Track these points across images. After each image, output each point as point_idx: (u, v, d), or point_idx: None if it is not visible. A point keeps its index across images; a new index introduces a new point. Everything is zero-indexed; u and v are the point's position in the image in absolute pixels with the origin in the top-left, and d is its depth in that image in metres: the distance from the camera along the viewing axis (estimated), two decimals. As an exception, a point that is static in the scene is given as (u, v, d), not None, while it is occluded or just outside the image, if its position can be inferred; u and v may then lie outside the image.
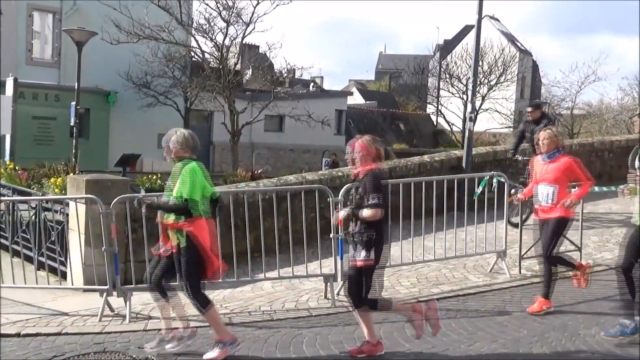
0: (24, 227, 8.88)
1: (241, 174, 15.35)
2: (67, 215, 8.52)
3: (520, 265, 8.34)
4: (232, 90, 27.01)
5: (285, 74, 32.51)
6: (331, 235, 7.48)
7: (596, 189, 9.51)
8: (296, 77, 34.36)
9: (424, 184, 8.49)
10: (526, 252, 8.38)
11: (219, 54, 26.93)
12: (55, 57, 28.75)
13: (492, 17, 55.58)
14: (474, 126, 13.70)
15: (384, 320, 6.65)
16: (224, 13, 26.69)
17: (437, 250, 8.95)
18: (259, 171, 17.15)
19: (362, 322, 5.68)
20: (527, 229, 9.28)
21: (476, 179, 9.47)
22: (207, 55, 27.83)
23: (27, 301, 7.63)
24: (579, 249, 8.67)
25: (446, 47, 55.51)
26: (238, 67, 28.95)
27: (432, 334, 5.76)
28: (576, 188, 6.96)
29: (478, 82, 31.18)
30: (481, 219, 9.57)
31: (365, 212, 5.34)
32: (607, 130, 38.80)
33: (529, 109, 11.29)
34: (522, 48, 51.76)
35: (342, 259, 7.46)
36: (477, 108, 33.19)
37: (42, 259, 8.32)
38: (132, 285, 7.39)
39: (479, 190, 9.31)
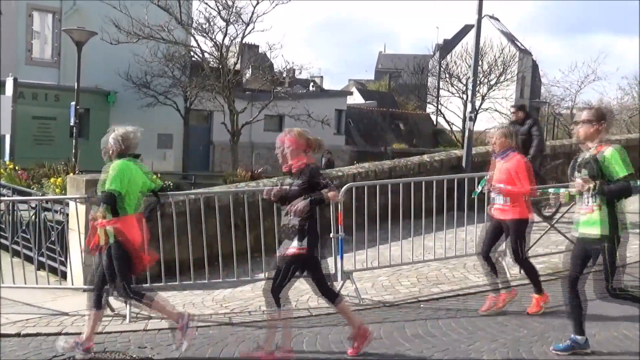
0: (24, 227, 8.88)
1: (241, 173, 15.37)
2: (67, 215, 8.53)
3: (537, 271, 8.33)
4: (232, 90, 27.01)
5: (285, 74, 32.50)
6: (331, 235, 7.48)
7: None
8: (296, 76, 34.33)
9: (424, 184, 8.49)
10: (526, 252, 8.37)
11: (219, 53, 26.93)
12: (55, 57, 28.74)
13: (491, 17, 55.55)
14: (473, 126, 13.70)
15: (384, 320, 6.66)
16: (223, 13, 26.69)
17: (437, 250, 8.95)
18: (259, 171, 17.18)
19: (269, 329, 5.57)
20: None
21: (476, 179, 9.45)
22: (206, 55, 27.82)
23: (27, 301, 7.63)
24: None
25: (446, 47, 55.49)
26: (238, 66, 28.94)
27: None
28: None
29: (478, 82, 31.17)
30: (481, 218, 9.57)
31: (331, 193, 5.33)
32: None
33: (512, 110, 11.30)
34: (522, 47, 51.77)
35: (342, 258, 7.47)
36: (477, 108, 33.16)
37: (42, 259, 8.33)
38: (132, 285, 7.38)
39: (478, 189, 9.30)
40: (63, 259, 8.70)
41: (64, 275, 8.59)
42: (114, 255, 5.64)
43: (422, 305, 7.08)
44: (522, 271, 7.20)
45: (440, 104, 46.71)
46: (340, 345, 5.91)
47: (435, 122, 53.38)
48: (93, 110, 28.24)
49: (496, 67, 41.49)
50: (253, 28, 26.92)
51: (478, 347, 5.78)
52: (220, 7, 26.63)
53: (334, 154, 35.37)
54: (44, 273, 8.20)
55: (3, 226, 9.92)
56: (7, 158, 16.49)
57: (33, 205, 8.86)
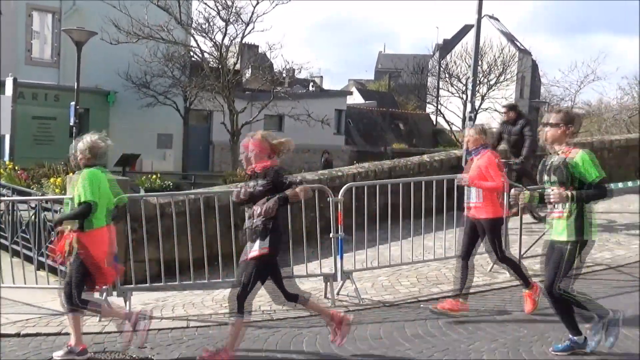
0: (23, 227, 8.88)
1: (241, 173, 15.33)
2: (67, 215, 8.51)
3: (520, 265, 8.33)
4: (232, 90, 27.00)
5: (285, 74, 32.50)
6: (331, 235, 7.48)
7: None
8: (295, 75, 34.36)
9: (424, 184, 8.49)
10: (526, 252, 8.39)
11: (219, 53, 26.93)
12: (54, 57, 28.74)
13: (491, 17, 55.54)
14: (473, 125, 13.69)
15: (384, 320, 6.66)
16: (222, 12, 26.69)
17: (437, 250, 8.95)
18: (259, 171, 17.11)
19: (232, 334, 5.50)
20: (527, 229, 9.30)
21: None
22: (206, 55, 27.83)
23: (27, 301, 7.63)
24: (579, 249, 8.68)
25: (445, 47, 55.51)
26: (237, 66, 28.95)
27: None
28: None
29: (477, 82, 31.19)
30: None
31: (298, 189, 5.35)
32: (606, 130, 38.80)
33: (503, 110, 11.24)
34: (522, 47, 51.77)
35: (342, 258, 7.47)
36: (477, 107, 33.18)
37: (42, 259, 8.32)
38: (132, 285, 7.40)
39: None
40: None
41: (63, 276, 8.58)
42: (73, 266, 5.68)
43: (422, 305, 7.07)
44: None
45: (440, 103, 46.72)
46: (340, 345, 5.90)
47: (435, 122, 53.39)
48: (93, 110, 28.23)
49: (496, 67, 41.51)
50: (253, 28, 26.95)
51: (478, 347, 5.78)
52: (220, 7, 26.64)
53: (333, 154, 35.43)
54: (44, 273, 8.20)
55: (3, 226, 9.92)
56: (7, 158, 16.50)
57: (33, 205, 8.85)
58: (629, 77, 53.99)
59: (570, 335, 5.44)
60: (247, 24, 26.75)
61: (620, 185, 9.95)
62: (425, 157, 13.47)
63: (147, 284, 7.69)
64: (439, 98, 46.98)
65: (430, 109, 52.26)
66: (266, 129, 36.66)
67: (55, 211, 8.87)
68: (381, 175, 12.03)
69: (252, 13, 26.52)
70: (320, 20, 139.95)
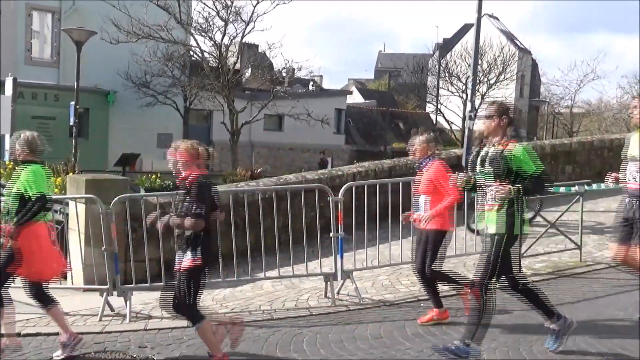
0: (23, 227, 8.85)
1: (241, 173, 15.36)
2: (67, 215, 8.52)
3: (520, 264, 8.33)
4: (232, 90, 27.01)
5: (285, 73, 32.51)
6: (331, 234, 7.48)
7: (594, 186, 9.52)
8: (295, 75, 34.37)
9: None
10: (526, 251, 8.38)
11: (218, 53, 26.93)
12: (54, 57, 28.75)
13: (491, 16, 55.54)
14: (473, 125, 13.70)
15: (384, 319, 6.66)
16: (222, 12, 26.69)
17: (437, 249, 8.93)
18: (259, 170, 17.17)
19: (203, 339, 5.41)
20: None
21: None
22: (206, 55, 27.83)
23: (27, 301, 7.61)
24: (579, 248, 8.68)
25: (445, 46, 55.48)
26: (237, 66, 28.96)
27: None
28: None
29: (477, 81, 31.16)
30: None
31: (187, 221, 5.16)
32: (606, 129, 38.87)
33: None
34: (522, 47, 51.76)
35: (342, 257, 7.47)
36: (477, 107, 33.12)
37: (42, 259, 8.30)
38: (132, 285, 7.40)
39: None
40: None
41: (63, 275, 8.58)
42: (3, 256, 5.71)
43: (422, 305, 7.07)
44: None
45: (440, 103, 46.69)
46: (341, 344, 5.91)
47: (434, 122, 53.39)
48: (93, 110, 28.26)
49: (496, 66, 41.47)
50: (253, 27, 26.96)
51: (478, 346, 5.77)
52: (219, 7, 26.64)
53: (333, 153, 35.40)
54: (44, 273, 8.18)
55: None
56: (6, 158, 16.47)
57: (33, 205, 8.83)
58: (629, 76, 53.96)
59: (550, 324, 5.35)
60: (247, 24, 26.77)
61: (620, 185, 9.92)
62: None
63: (148, 284, 7.68)
64: (439, 97, 46.95)
65: (430, 108, 52.27)
66: (266, 129, 36.91)
67: (55, 211, 8.87)
68: (381, 175, 12.03)
69: (252, 12, 26.56)
70: (320, 20, 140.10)
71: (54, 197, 9.89)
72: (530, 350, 5.66)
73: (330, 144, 36.74)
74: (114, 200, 7.20)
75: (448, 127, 44.53)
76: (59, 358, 5.70)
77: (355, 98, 54.12)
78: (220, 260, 7.79)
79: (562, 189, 9.26)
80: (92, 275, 7.57)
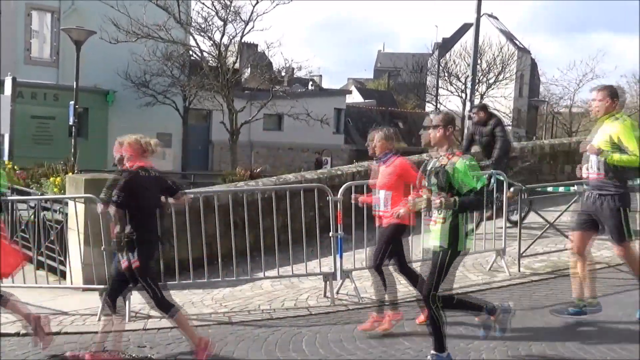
0: (23, 227, 8.87)
1: (240, 172, 15.33)
2: (66, 214, 8.53)
3: (519, 264, 8.34)
4: (231, 89, 27.01)
5: (284, 73, 32.51)
6: (330, 234, 7.48)
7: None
8: (295, 74, 34.39)
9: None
10: (525, 250, 8.39)
11: (218, 52, 26.93)
12: (53, 57, 28.73)
13: (490, 16, 55.50)
14: (469, 125, 13.72)
15: (384, 318, 6.65)
16: (221, 12, 26.69)
17: (437, 249, 8.93)
18: (258, 170, 17.13)
19: (180, 328, 5.60)
20: (526, 227, 9.31)
21: (475, 177, 9.46)
22: (205, 54, 27.83)
23: (27, 300, 7.60)
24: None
25: (445, 46, 55.48)
26: (237, 65, 28.96)
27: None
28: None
29: (477, 81, 31.17)
30: (479, 217, 9.59)
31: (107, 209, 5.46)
32: (605, 128, 38.61)
33: (474, 111, 10.95)
34: (521, 46, 51.79)
35: (341, 257, 7.47)
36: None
37: (42, 259, 8.32)
38: (132, 285, 7.38)
39: (478, 187, 9.28)
40: (62, 259, 8.70)
41: (63, 275, 8.59)
42: None
43: (421, 304, 7.06)
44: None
45: (440, 102, 46.71)
46: (340, 344, 5.91)
47: (434, 121, 53.30)
48: (92, 109, 28.24)
49: (495, 66, 41.52)
50: (252, 27, 26.96)
51: (477, 345, 5.78)
52: (219, 7, 26.64)
53: (333, 153, 35.43)
54: (43, 272, 8.19)
55: (2, 225, 9.91)
56: (5, 158, 16.48)
57: (32, 204, 8.85)
58: (628, 76, 54.05)
59: (432, 350, 5.18)
60: (247, 23, 26.77)
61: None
62: (425, 156, 13.45)
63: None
64: (438, 97, 46.97)
65: (429, 107, 52.25)
66: (265, 128, 36.90)
67: (55, 210, 8.88)
68: (380, 174, 12.00)
69: (252, 12, 26.56)
70: (320, 20, 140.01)
71: (53, 197, 9.92)
72: (529, 349, 5.66)
73: (329, 144, 36.76)
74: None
75: (447, 127, 44.50)
76: (51, 353, 5.74)
77: (355, 98, 54.09)
78: (219, 260, 7.82)
79: (561, 189, 9.26)
80: (91, 274, 7.58)
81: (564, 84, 45.37)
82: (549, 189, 9.44)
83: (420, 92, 50.60)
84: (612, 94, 6.06)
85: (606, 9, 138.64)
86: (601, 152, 5.89)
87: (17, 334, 6.46)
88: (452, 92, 42.54)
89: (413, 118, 52.90)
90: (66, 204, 8.55)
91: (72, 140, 17.50)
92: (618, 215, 5.94)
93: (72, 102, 17.76)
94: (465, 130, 13.99)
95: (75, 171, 13.59)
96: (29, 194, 10.72)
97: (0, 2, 25.29)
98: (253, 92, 31.58)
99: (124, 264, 5.48)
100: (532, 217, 9.84)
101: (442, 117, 5.16)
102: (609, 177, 5.94)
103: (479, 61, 34.75)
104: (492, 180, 8.89)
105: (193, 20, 27.59)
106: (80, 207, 7.97)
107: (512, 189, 8.65)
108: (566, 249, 8.80)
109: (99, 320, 6.77)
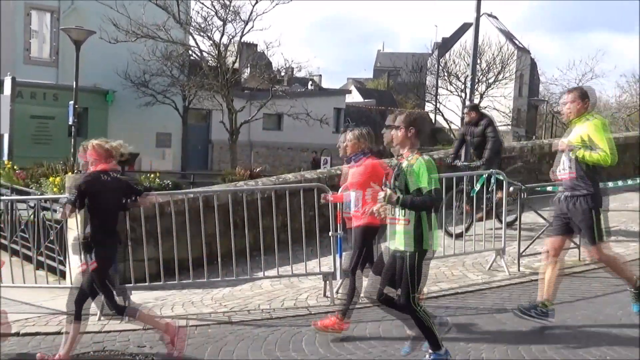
0: (22, 227, 8.88)
1: (240, 172, 15.32)
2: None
3: (519, 263, 8.34)
4: (230, 89, 27.01)
5: (284, 72, 32.51)
6: (330, 234, 7.48)
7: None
8: (294, 74, 34.38)
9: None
10: (525, 250, 8.39)
11: (217, 52, 26.92)
12: (53, 56, 28.72)
13: (490, 15, 55.57)
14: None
15: (383, 318, 6.64)
16: (220, 12, 26.68)
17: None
18: (258, 170, 17.13)
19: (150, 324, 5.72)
20: (525, 227, 9.30)
21: (474, 177, 9.49)
22: (205, 54, 27.82)
23: (26, 300, 7.63)
24: (578, 247, 8.68)
25: (444, 45, 55.50)
26: (236, 65, 28.97)
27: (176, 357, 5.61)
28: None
29: (476, 80, 31.17)
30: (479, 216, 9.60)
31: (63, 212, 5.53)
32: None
33: (465, 111, 10.85)
34: (520, 46, 51.79)
35: (341, 257, 7.46)
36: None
37: (41, 258, 8.32)
38: (131, 284, 7.40)
39: (477, 187, 9.33)
40: (62, 258, 8.70)
41: (62, 275, 8.59)
42: None
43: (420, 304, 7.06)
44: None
45: (439, 102, 46.69)
46: (340, 343, 5.91)
47: (433, 121, 53.42)
48: (91, 109, 28.23)
49: (495, 66, 41.48)
50: (252, 27, 26.96)
51: (477, 345, 5.78)
52: (218, 7, 26.63)
53: (332, 152, 35.35)
54: (43, 272, 8.19)
55: (2, 225, 9.92)
56: (5, 157, 16.48)
57: (32, 204, 8.85)
58: (627, 75, 54.07)
59: (429, 350, 5.10)
60: (246, 23, 26.77)
61: (619, 183, 9.93)
62: (424, 156, 13.45)
63: (147, 283, 7.69)
64: (438, 96, 46.95)
65: (429, 107, 52.28)
66: (265, 128, 36.86)
67: (54, 210, 8.88)
68: (380, 174, 12.01)
69: (251, 12, 26.56)
70: (320, 20, 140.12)
71: (53, 196, 9.91)
72: (529, 349, 5.66)
73: (329, 144, 36.65)
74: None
75: (447, 127, 44.58)
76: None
77: (354, 97, 54.16)
78: (219, 259, 7.82)
79: (561, 188, 9.25)
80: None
81: (564, 84, 45.26)
82: (549, 188, 9.43)
83: (419, 91, 50.58)
84: (582, 95, 6.04)
85: (605, 8, 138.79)
86: (572, 148, 5.86)
87: (17, 334, 6.46)
88: (451, 92, 42.49)
89: (413, 118, 52.85)
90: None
91: (72, 140, 17.50)
92: (590, 217, 5.89)
93: (71, 102, 17.76)
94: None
95: (75, 171, 13.59)
96: (28, 193, 10.72)
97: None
98: (252, 91, 31.57)
99: (82, 266, 5.54)
100: (532, 217, 9.85)
101: (403, 118, 5.13)
102: (580, 176, 5.90)
103: (478, 61, 34.73)
104: (492, 180, 8.90)
105: (192, 20, 27.58)
106: (80, 207, 7.96)
107: (511, 189, 8.65)
108: (565, 249, 8.82)
109: (99, 319, 6.78)
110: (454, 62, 42.47)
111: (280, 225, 8.13)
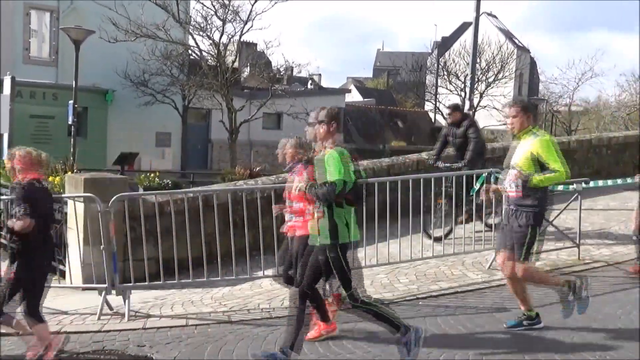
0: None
1: (239, 171, 15.37)
2: (66, 213, 8.52)
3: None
4: (230, 88, 27.00)
5: (283, 72, 32.49)
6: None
7: (592, 184, 9.53)
8: (294, 74, 34.34)
9: (422, 181, 8.49)
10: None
11: (217, 51, 26.92)
12: (52, 56, 28.71)
13: (489, 14, 55.59)
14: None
15: (383, 317, 6.65)
16: (220, 11, 26.67)
17: (436, 247, 8.95)
18: (257, 169, 17.17)
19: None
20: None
21: (474, 176, 9.48)
22: (204, 53, 27.81)
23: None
24: (577, 246, 8.70)
25: (444, 44, 55.53)
26: (236, 64, 28.97)
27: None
28: None
29: (476, 79, 31.19)
30: (479, 216, 9.60)
31: (17, 224, 5.29)
32: (604, 127, 38.84)
33: (448, 111, 10.70)
34: (520, 45, 51.84)
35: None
36: (475, 105, 33.18)
37: (41, 258, 8.31)
38: (131, 284, 7.41)
39: (476, 186, 9.32)
40: (61, 258, 8.68)
41: (62, 274, 8.57)
42: None
43: (420, 303, 7.08)
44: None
45: (439, 101, 46.72)
46: (339, 342, 5.91)
47: (433, 120, 53.43)
48: (91, 108, 28.22)
49: (494, 65, 41.52)
50: (251, 26, 26.94)
51: (477, 345, 5.78)
52: (217, 6, 26.62)
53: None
54: (43, 272, 8.19)
55: (1, 225, 9.90)
56: (5, 157, 16.46)
57: (31, 204, 8.84)
58: (627, 74, 54.11)
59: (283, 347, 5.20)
60: (246, 22, 26.76)
61: (619, 181, 9.93)
62: (424, 155, 13.45)
63: (146, 283, 7.69)
64: (438, 96, 46.98)
65: (428, 106, 52.31)
66: (265, 127, 36.84)
67: (54, 210, 8.86)
68: (380, 173, 12.01)
69: (251, 11, 26.55)
70: (319, 19, 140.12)
71: (53, 196, 9.91)
72: (530, 349, 5.66)
73: (328, 143, 36.67)
74: (112, 199, 7.21)
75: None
76: None
77: (354, 97, 54.13)
78: (219, 259, 7.82)
79: (560, 187, 9.25)
80: (91, 274, 7.58)
81: (563, 83, 45.35)
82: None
83: (419, 91, 50.63)
84: (525, 108, 5.88)
85: (605, 7, 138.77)
86: (527, 178, 5.66)
87: (17, 334, 6.46)
88: (451, 91, 42.53)
89: (412, 117, 52.96)
90: (65, 203, 8.54)
91: (72, 139, 17.48)
92: (526, 234, 5.77)
93: (71, 102, 17.74)
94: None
95: (75, 170, 13.60)
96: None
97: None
98: (252, 91, 31.56)
99: (4, 274, 5.52)
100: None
101: (327, 113, 5.23)
102: (527, 194, 5.74)
103: (478, 60, 34.79)
104: (492, 179, 8.89)
105: (192, 20, 27.57)
106: (80, 207, 7.97)
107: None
108: (565, 248, 8.83)
109: (98, 319, 6.79)
110: (454, 61, 42.51)
111: (280, 224, 8.12)
